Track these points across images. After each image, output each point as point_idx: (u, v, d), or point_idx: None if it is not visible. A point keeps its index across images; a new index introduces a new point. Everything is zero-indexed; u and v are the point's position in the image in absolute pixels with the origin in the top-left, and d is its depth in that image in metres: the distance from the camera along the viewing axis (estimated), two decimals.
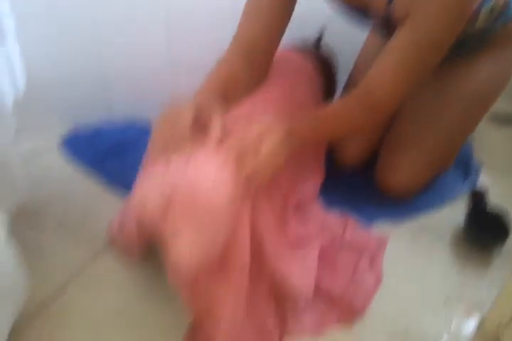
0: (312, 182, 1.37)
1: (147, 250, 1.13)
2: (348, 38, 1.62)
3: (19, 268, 0.91)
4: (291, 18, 1.22)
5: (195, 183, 0.84)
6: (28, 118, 1.62)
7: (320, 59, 1.53)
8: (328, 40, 1.65)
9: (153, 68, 1.67)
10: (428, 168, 1.43)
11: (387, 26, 1.17)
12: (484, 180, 1.59)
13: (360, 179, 1.52)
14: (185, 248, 0.82)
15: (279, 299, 1.07)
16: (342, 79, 1.65)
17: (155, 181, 0.87)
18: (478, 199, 1.41)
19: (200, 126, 0.90)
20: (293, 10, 1.21)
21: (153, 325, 1.05)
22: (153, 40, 1.63)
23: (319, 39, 1.65)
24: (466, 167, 1.64)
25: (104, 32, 1.58)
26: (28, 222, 1.30)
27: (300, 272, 1.08)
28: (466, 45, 1.27)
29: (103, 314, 1.06)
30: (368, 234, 1.33)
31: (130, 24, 1.58)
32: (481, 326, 1.09)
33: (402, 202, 1.45)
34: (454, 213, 1.45)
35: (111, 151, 1.60)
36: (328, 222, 1.32)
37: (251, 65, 1.19)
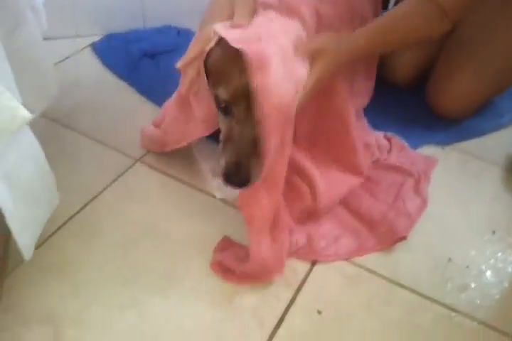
0: (361, 100, 1.26)
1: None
2: None
3: (49, 173, 0.87)
4: None
5: None
6: (60, 23, 1.54)
7: None
8: None
9: None
10: (484, 87, 1.33)
11: None
12: None
13: (410, 97, 1.42)
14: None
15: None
16: None
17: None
18: None
19: None
20: None
21: (184, 239, 1.02)
22: None
23: None
24: None
25: None
26: (60, 124, 1.26)
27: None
28: None
29: (133, 228, 1.03)
30: (415, 156, 1.24)
31: None
32: None
33: (454, 123, 1.36)
34: (507, 140, 1.35)
35: (144, 57, 1.53)
36: (373, 141, 1.24)
37: None
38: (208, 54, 0.87)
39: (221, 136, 0.90)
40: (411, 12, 1.00)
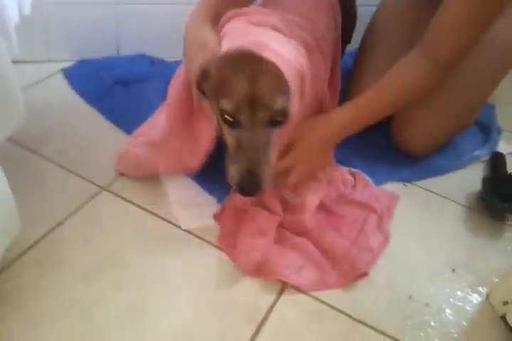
0: None
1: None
2: None
3: (10, 200, 0.86)
4: None
5: None
6: (32, 46, 1.55)
7: None
8: None
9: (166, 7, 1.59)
10: (447, 124, 1.37)
11: None
12: (504, 144, 1.52)
13: (375, 133, 1.44)
14: None
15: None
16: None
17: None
18: (497, 164, 1.36)
19: None
20: None
21: (147, 270, 1.01)
22: None
23: None
24: (486, 129, 1.56)
25: None
26: (26, 149, 1.25)
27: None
28: None
29: (96, 258, 1.02)
30: (379, 192, 1.27)
31: None
32: (486, 301, 1.05)
33: (417, 161, 1.39)
34: (470, 176, 1.39)
35: (116, 85, 1.53)
36: (338, 176, 1.26)
37: None
38: (207, 68, 0.91)
39: (230, 149, 0.93)
40: (412, 80, 1.10)
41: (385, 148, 1.43)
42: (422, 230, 1.20)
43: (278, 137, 0.94)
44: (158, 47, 1.67)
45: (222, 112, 0.90)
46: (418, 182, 1.35)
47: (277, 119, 0.90)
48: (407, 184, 1.34)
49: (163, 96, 1.48)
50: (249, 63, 0.88)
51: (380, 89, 1.12)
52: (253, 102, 0.87)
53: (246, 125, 0.89)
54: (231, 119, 0.90)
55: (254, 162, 0.89)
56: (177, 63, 1.48)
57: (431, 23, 1.08)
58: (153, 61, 1.66)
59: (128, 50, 1.68)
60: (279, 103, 0.88)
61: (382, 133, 1.44)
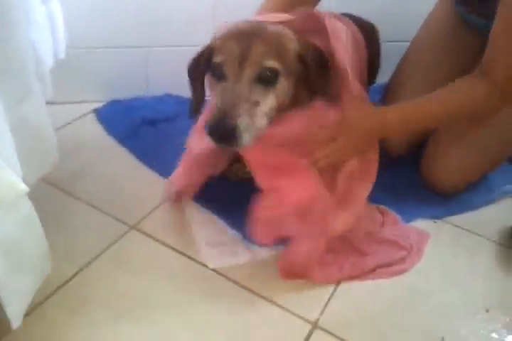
0: None
1: None
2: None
3: (43, 242, 0.88)
4: None
5: None
6: (65, 87, 1.56)
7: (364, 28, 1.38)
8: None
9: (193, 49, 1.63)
10: (479, 161, 1.35)
11: None
12: None
13: (403, 168, 1.45)
14: None
15: None
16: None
17: None
18: None
19: None
20: None
21: (175, 310, 1.01)
22: (199, 19, 1.60)
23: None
24: None
25: (147, 6, 1.55)
26: (58, 189, 1.28)
27: None
28: None
29: (124, 298, 1.02)
30: (409, 230, 1.25)
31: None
32: None
33: (446, 198, 1.37)
34: (501, 212, 1.36)
35: (145, 124, 1.57)
36: (366, 214, 1.25)
37: None
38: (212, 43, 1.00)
39: (216, 101, 0.95)
40: (466, 97, 1.09)
41: (414, 184, 1.41)
42: (453, 268, 1.18)
43: (272, 98, 0.95)
44: (186, 86, 1.71)
45: (213, 68, 0.97)
46: (448, 219, 1.32)
47: (266, 77, 0.93)
48: (436, 220, 1.31)
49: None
50: (248, 28, 0.97)
51: (431, 100, 1.11)
52: (242, 58, 0.93)
53: (231, 77, 0.94)
54: (222, 70, 0.95)
55: (229, 106, 0.90)
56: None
57: (487, 46, 1.08)
58: (180, 100, 1.70)
59: (156, 89, 1.73)
60: (267, 62, 0.93)
61: (410, 170, 1.43)
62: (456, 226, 1.30)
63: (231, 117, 0.89)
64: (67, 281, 1.04)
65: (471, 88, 1.09)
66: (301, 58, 0.98)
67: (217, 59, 0.96)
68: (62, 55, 1.38)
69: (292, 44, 0.98)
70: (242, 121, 0.89)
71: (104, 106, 1.66)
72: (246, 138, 0.90)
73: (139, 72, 1.69)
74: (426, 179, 1.39)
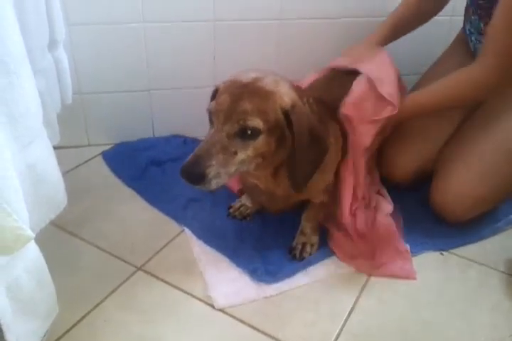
0: None
1: None
2: None
3: (50, 285, 0.89)
4: None
5: None
6: (72, 131, 1.63)
7: None
8: None
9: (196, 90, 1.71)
10: (487, 186, 1.32)
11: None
12: None
13: (410, 198, 1.45)
14: None
15: None
16: None
17: None
18: None
19: None
20: None
21: None
22: (199, 62, 1.66)
23: None
24: None
25: (150, 50, 1.61)
26: (65, 231, 1.30)
27: None
28: None
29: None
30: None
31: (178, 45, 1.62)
32: None
33: (453, 229, 1.36)
34: (507, 241, 1.36)
35: (151, 165, 1.60)
36: None
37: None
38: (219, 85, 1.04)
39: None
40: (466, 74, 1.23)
41: (419, 215, 1.41)
42: (460, 300, 1.16)
43: (251, 149, 0.98)
44: (191, 126, 1.75)
45: (208, 113, 1.01)
46: (454, 250, 1.32)
47: (246, 134, 0.96)
48: (443, 252, 1.31)
49: None
50: (244, 81, 0.99)
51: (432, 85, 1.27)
52: (228, 112, 0.96)
53: (215, 127, 0.98)
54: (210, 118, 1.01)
55: (204, 153, 0.95)
56: None
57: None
58: (185, 140, 1.74)
59: (162, 131, 1.77)
60: (249, 122, 0.95)
61: (415, 200, 1.44)
62: (462, 257, 1.30)
63: (202, 165, 0.94)
64: (75, 324, 1.04)
65: (467, 69, 1.22)
66: (287, 116, 1.00)
67: (210, 106, 1.00)
68: (69, 101, 1.43)
69: (282, 103, 0.99)
70: (212, 171, 0.94)
71: (111, 148, 1.70)
72: (214, 183, 0.96)
73: (144, 115, 1.73)
74: (434, 204, 1.37)
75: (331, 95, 1.25)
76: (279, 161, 1.07)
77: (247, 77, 1.00)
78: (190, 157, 0.95)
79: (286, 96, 0.99)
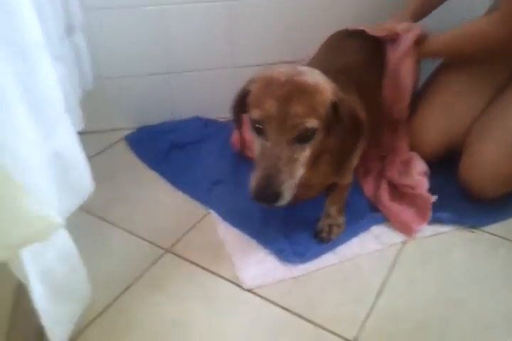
0: None
1: None
2: None
3: (82, 269, 0.90)
4: None
5: None
6: (95, 117, 1.59)
7: None
8: None
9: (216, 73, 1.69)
10: None
11: None
12: None
13: (440, 175, 1.41)
14: None
15: None
16: None
17: None
18: None
19: None
20: None
21: (215, 332, 1.02)
22: (217, 43, 1.64)
23: None
24: None
25: (168, 33, 1.59)
26: (93, 216, 1.32)
27: None
28: None
29: (164, 321, 1.04)
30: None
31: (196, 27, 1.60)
32: None
33: (484, 206, 1.33)
34: None
35: (173, 148, 1.60)
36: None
37: None
38: (248, 87, 0.97)
39: (256, 156, 0.95)
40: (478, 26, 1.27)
41: (450, 192, 1.38)
42: (492, 279, 1.15)
43: (308, 151, 0.95)
44: (211, 108, 1.74)
45: (252, 122, 0.94)
46: (485, 227, 1.30)
47: (305, 137, 0.93)
48: (474, 230, 1.29)
49: (218, 156, 1.54)
50: (284, 82, 0.92)
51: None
52: (281, 118, 0.90)
53: (271, 138, 0.92)
54: (260, 126, 0.93)
55: (272, 170, 0.90)
56: (228, 123, 1.53)
57: None
58: (206, 123, 1.74)
59: (182, 113, 1.77)
60: (307, 124, 0.91)
61: (446, 178, 1.41)
62: (494, 234, 1.28)
63: (276, 185, 0.90)
64: (107, 307, 1.06)
65: (476, 20, 1.28)
66: (335, 108, 0.95)
67: (255, 114, 0.93)
68: (90, 86, 1.43)
69: (328, 95, 0.94)
70: (286, 187, 0.91)
71: (133, 132, 1.71)
72: (287, 197, 0.93)
73: (165, 98, 1.73)
74: (464, 180, 1.35)
75: (340, 61, 1.29)
76: (320, 151, 1.03)
77: (281, 73, 0.94)
78: (258, 178, 0.91)
79: (328, 86, 0.95)
